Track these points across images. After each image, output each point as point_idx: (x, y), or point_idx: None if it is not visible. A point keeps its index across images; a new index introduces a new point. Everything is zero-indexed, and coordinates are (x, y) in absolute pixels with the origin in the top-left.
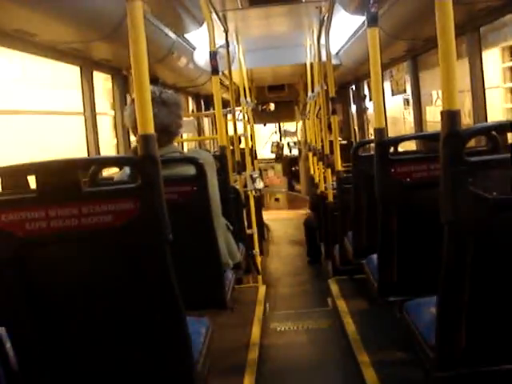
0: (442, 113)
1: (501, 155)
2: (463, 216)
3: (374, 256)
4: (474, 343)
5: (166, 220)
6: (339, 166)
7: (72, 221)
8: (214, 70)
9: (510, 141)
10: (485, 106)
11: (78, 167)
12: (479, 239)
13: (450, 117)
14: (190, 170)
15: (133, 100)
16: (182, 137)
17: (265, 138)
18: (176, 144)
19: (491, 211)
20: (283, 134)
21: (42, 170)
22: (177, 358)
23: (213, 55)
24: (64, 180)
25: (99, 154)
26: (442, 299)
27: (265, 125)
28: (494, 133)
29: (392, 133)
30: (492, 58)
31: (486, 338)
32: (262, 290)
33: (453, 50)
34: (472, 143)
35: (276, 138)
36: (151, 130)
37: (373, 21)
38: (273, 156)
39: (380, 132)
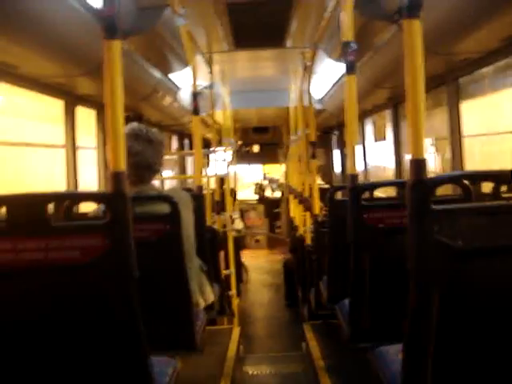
0: (410, 161)
1: (466, 204)
2: (428, 264)
3: (347, 301)
4: None
5: (134, 258)
6: (317, 210)
7: (39, 254)
8: (195, 111)
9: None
10: (461, 154)
11: (48, 201)
12: (444, 287)
13: (417, 165)
14: (166, 209)
15: None
16: (161, 175)
17: (249, 179)
18: (156, 182)
19: (456, 260)
20: (269, 182)
21: (13, 202)
22: None
23: (194, 96)
24: (33, 213)
25: (77, 188)
26: (408, 347)
27: (249, 165)
28: (465, 182)
29: (377, 178)
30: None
31: None
32: (237, 331)
33: (421, 102)
34: (450, 191)
35: (260, 179)
36: (122, 166)
37: (350, 69)
38: (255, 197)
39: (353, 178)
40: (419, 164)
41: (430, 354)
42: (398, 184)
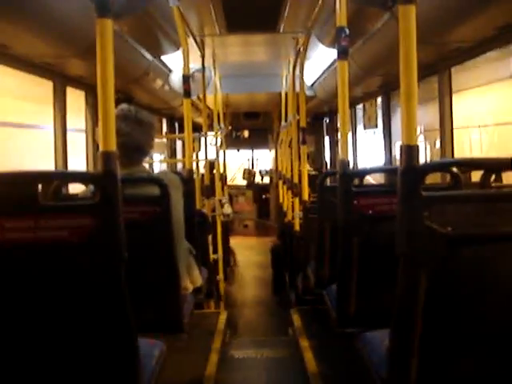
0: (401, 147)
1: (456, 191)
2: (417, 249)
3: (335, 286)
4: (425, 378)
5: (123, 238)
6: (306, 196)
7: (27, 233)
8: (187, 94)
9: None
10: (452, 143)
11: (37, 180)
12: (432, 273)
13: (408, 152)
14: (156, 191)
15: None
16: (152, 158)
17: (238, 165)
18: (146, 165)
19: (445, 246)
20: (260, 173)
21: (0, 180)
22: (126, 380)
23: (186, 79)
24: (22, 192)
25: (66, 169)
26: (395, 332)
27: (238, 150)
28: (455, 170)
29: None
30: None
31: (437, 372)
32: (223, 315)
33: (414, 89)
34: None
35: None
36: (113, 146)
37: (343, 54)
38: (244, 182)
39: (343, 164)
40: (411, 150)
41: (416, 340)
42: (388, 170)
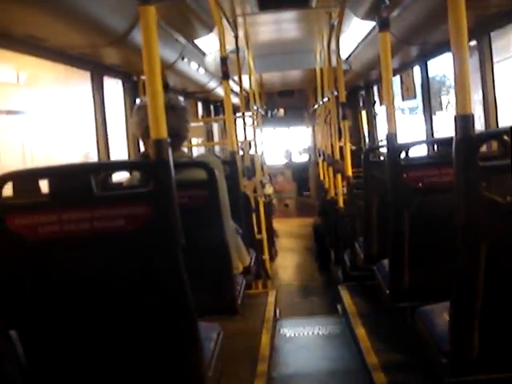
0: (455, 117)
1: None
2: (476, 221)
3: (385, 262)
4: (488, 349)
5: (179, 224)
6: (349, 172)
7: (84, 224)
8: (225, 76)
9: None
10: (496, 111)
11: (92, 171)
12: (493, 244)
13: (464, 121)
14: (200, 175)
15: (140, 107)
16: (191, 142)
17: (276, 144)
18: (185, 149)
19: (505, 216)
20: (300, 152)
21: (55, 174)
22: (189, 364)
23: (223, 61)
24: (76, 184)
25: (109, 159)
26: (455, 305)
27: (275, 129)
28: (506, 138)
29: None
30: None
31: (499, 344)
32: (272, 295)
33: (466, 56)
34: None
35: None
36: (164, 134)
37: (384, 26)
38: (282, 161)
39: (391, 137)
40: (466, 120)
41: (478, 312)
42: (441, 141)
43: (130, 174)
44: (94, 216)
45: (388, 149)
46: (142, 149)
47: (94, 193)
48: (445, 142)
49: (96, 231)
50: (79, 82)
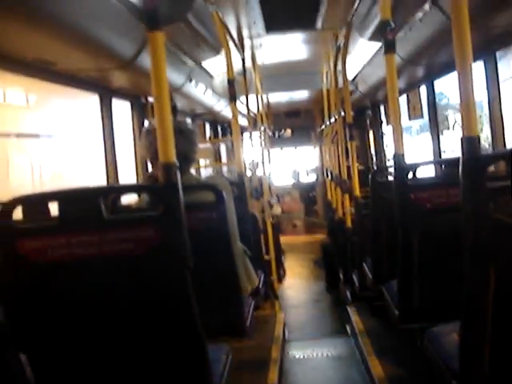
0: (461, 139)
1: None
2: (484, 242)
3: (394, 282)
4: (498, 371)
5: (188, 247)
6: (357, 192)
7: (94, 248)
8: (232, 98)
9: None
10: (503, 131)
11: (101, 195)
12: (502, 265)
13: (470, 143)
14: (208, 197)
15: (148, 130)
16: (199, 163)
17: (283, 164)
18: (193, 171)
19: None
20: (307, 172)
21: (64, 198)
22: None
23: (231, 83)
24: (86, 207)
25: (118, 181)
26: (465, 326)
27: (282, 149)
28: None
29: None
30: None
31: (510, 366)
32: (281, 316)
33: (471, 77)
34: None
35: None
36: (172, 158)
37: (390, 48)
38: (288, 182)
39: (398, 158)
40: (473, 141)
41: (488, 333)
42: (448, 162)
43: (139, 196)
44: (104, 239)
45: (395, 169)
46: (150, 169)
47: (103, 216)
48: (452, 163)
49: (105, 254)
50: (88, 104)
